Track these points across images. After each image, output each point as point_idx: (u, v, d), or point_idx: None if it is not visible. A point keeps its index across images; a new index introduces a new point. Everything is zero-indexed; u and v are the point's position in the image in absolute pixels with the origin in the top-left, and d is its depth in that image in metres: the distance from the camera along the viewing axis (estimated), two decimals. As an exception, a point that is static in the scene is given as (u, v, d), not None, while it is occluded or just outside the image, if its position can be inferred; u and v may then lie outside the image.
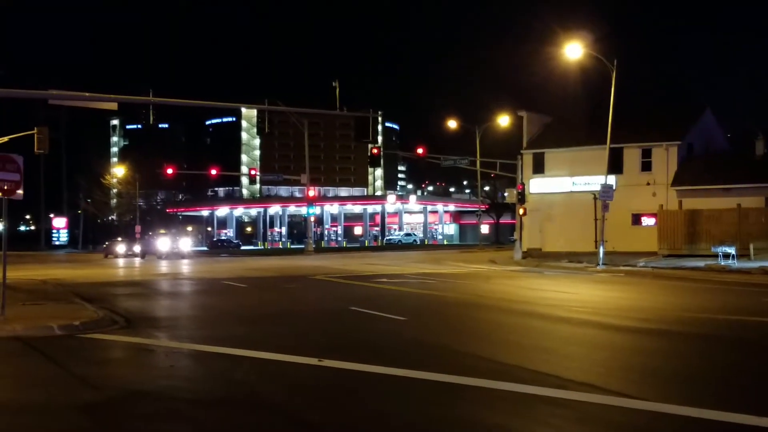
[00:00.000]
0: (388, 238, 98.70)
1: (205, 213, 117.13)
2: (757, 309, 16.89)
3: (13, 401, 8.29)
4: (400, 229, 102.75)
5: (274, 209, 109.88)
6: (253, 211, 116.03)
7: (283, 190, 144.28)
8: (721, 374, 9.53)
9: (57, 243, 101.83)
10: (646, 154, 47.48)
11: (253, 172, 77.50)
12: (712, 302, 18.52)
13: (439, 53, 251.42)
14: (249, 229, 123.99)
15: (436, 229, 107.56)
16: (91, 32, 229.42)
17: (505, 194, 64.54)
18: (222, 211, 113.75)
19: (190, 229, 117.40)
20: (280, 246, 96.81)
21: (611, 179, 39.14)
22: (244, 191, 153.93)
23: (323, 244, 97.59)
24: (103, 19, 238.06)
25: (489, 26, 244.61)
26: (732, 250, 32.05)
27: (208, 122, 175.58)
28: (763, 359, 10.63)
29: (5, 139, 39.27)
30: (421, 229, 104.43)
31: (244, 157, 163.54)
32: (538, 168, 52.34)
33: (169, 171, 70.19)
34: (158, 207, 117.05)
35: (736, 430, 6.88)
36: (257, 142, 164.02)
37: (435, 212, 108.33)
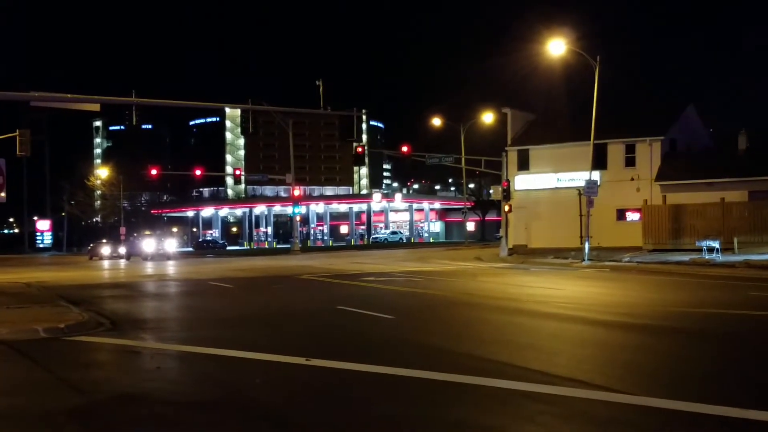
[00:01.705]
0: (374, 236, 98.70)
1: (190, 214, 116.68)
2: (742, 302, 17.03)
3: (-2, 406, 8.21)
4: (386, 227, 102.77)
5: (260, 209, 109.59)
6: (239, 212, 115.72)
7: (269, 190, 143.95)
8: (706, 368, 9.60)
9: (41, 246, 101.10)
10: (630, 149, 47.73)
11: (237, 173, 77.32)
12: (697, 296, 18.66)
13: (425, 53, 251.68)
14: (234, 229, 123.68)
15: (422, 227, 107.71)
16: (75, 32, 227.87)
17: (491, 191, 64.85)
18: (207, 211, 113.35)
19: (175, 230, 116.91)
20: (266, 246, 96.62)
21: (595, 175, 39.37)
22: (229, 191, 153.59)
23: (309, 243, 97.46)
24: (85, 19, 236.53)
25: (475, 25, 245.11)
26: (716, 244, 32.30)
27: (192, 123, 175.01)
28: (748, 352, 10.72)
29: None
30: (407, 227, 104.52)
31: (228, 158, 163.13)
32: (523, 165, 52.49)
33: (153, 172, 69.87)
34: (143, 208, 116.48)
35: (720, 422, 6.94)
36: (242, 142, 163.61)
37: (421, 210, 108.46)
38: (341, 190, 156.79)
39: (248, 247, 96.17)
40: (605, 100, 39.51)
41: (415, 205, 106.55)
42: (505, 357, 10.28)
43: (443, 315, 15.76)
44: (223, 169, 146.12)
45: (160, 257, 55.84)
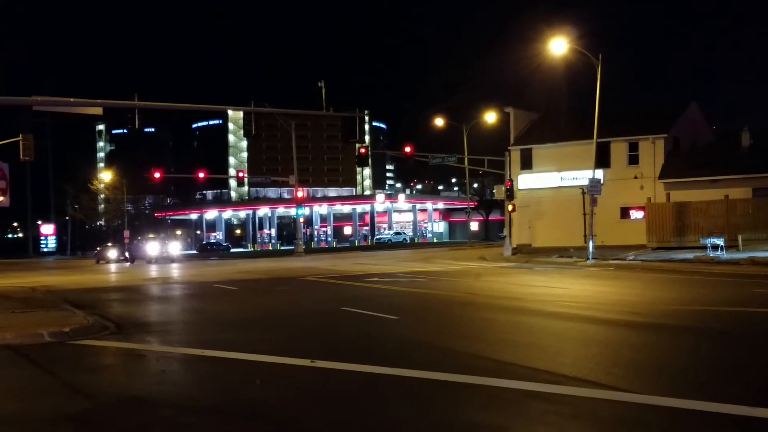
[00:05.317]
0: (377, 237, 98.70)
1: (193, 216, 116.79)
2: (747, 300, 16.98)
3: (1, 410, 8.21)
4: (390, 228, 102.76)
5: (263, 211, 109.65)
6: (242, 214, 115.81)
7: (272, 192, 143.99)
8: (711, 366, 9.57)
9: (45, 250, 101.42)
10: (633, 147, 47.70)
11: (241, 175, 77.19)
12: (702, 294, 18.61)
13: (426, 53, 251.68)
14: (238, 231, 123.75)
15: (425, 228, 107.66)
16: (77, 36, 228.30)
17: (494, 191, 64.65)
18: (211, 214, 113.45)
19: (179, 232, 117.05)
20: (270, 248, 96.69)
21: (599, 173, 39.28)
22: (233, 194, 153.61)
23: (313, 244, 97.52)
24: (86, 23, 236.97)
25: (477, 25, 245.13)
26: (720, 242, 32.19)
27: (194, 125, 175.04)
28: (754, 349, 10.68)
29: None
30: (411, 227, 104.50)
31: (231, 160, 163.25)
32: (526, 164, 52.46)
33: (157, 175, 69.93)
34: (146, 211, 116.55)
35: (728, 420, 6.91)
36: (244, 144, 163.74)
37: (424, 210, 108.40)
38: (344, 191, 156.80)
39: (252, 249, 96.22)
40: (608, 99, 39.47)
41: (418, 206, 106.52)
42: (510, 356, 10.25)
43: (448, 315, 15.73)
44: (226, 172, 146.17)
45: (164, 260, 55.92)
